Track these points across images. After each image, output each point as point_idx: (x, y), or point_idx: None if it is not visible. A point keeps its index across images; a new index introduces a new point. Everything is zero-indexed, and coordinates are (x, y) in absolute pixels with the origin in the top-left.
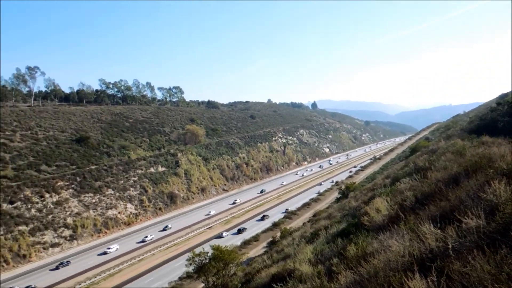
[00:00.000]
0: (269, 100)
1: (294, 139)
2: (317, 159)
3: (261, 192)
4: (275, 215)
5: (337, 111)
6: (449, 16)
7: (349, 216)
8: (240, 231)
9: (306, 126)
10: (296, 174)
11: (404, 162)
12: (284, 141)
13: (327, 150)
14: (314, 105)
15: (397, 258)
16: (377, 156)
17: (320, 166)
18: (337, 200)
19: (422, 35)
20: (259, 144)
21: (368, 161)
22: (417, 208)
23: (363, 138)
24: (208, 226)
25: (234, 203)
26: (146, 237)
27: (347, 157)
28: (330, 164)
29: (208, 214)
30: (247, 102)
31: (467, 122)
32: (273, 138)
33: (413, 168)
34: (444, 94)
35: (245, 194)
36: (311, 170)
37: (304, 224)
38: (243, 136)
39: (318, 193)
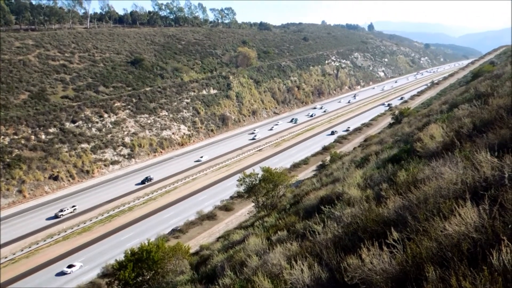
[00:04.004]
0: (323, 22)
1: (348, 62)
2: (371, 83)
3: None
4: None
5: (395, 33)
6: None
7: (401, 142)
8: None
9: (361, 49)
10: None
11: (464, 87)
12: (337, 64)
13: (382, 74)
14: (370, 26)
15: (448, 185)
16: (435, 81)
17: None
18: (390, 125)
19: None
20: (311, 67)
21: (425, 86)
22: (475, 136)
23: (421, 62)
24: (259, 148)
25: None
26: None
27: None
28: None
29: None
30: (300, 23)
31: None
32: (326, 61)
33: (473, 94)
34: None
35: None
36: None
37: (354, 148)
38: (295, 59)
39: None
